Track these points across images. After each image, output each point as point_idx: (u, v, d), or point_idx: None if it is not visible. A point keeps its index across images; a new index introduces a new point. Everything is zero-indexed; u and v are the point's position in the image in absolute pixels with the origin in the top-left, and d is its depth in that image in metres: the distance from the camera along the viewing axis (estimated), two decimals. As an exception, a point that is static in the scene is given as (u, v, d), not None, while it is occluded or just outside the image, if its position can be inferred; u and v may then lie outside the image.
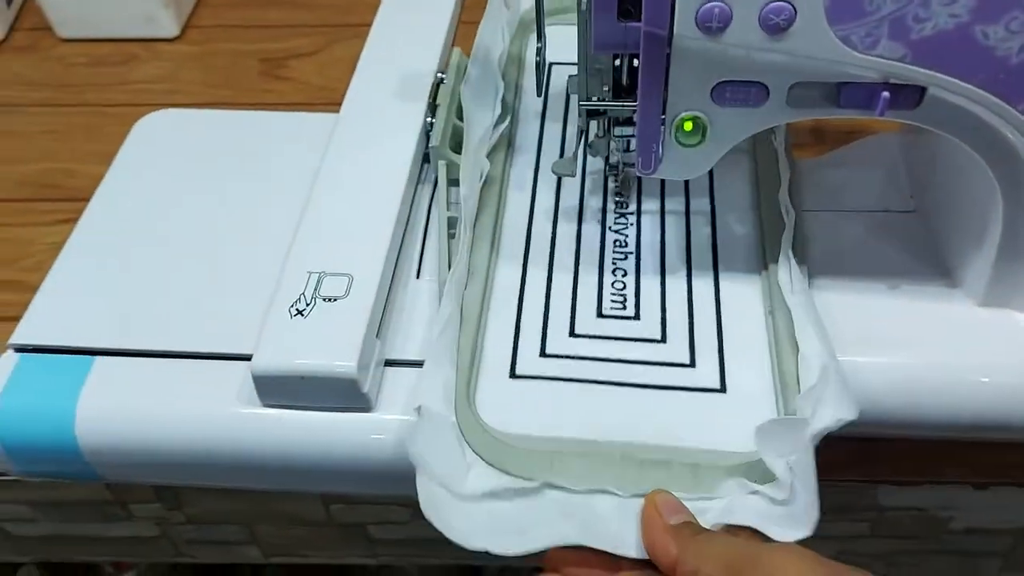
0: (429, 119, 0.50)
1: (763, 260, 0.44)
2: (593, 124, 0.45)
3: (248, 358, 0.40)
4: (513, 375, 0.41)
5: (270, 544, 0.55)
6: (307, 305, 0.41)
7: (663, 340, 0.42)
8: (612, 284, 0.44)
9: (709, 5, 0.33)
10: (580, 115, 0.43)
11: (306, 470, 0.42)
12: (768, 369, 0.40)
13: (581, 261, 0.45)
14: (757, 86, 0.36)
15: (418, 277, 0.46)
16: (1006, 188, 0.38)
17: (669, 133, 0.38)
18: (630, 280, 0.45)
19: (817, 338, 0.38)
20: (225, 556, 0.56)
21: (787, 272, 0.42)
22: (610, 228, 0.47)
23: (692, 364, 0.41)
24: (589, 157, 0.49)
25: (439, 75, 0.52)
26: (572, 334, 0.42)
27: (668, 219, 0.47)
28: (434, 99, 0.51)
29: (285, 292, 0.42)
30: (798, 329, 0.40)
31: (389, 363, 0.43)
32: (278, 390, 0.40)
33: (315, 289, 0.42)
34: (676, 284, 0.44)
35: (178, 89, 0.67)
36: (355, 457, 0.41)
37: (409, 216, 0.48)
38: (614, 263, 0.45)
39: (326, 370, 0.39)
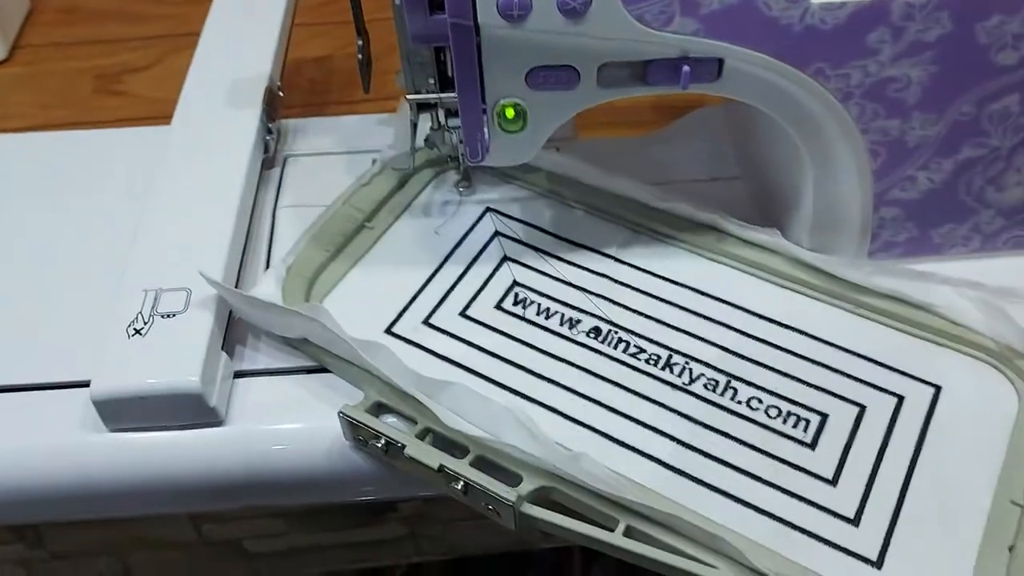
0: (267, 124, 0.50)
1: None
2: (427, 117, 0.45)
3: (89, 384, 0.39)
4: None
5: (146, 573, 0.53)
6: (145, 324, 0.40)
7: None
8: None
9: (508, -7, 0.34)
10: (410, 109, 0.44)
11: (162, 491, 0.41)
12: None
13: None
14: (567, 69, 0.37)
15: (265, 284, 0.45)
16: (810, 148, 0.41)
17: (492, 121, 0.39)
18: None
19: None
20: (97, 591, 0.54)
21: None
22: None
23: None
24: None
25: (273, 81, 0.52)
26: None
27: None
28: (268, 105, 0.51)
29: (121, 312, 0.41)
30: None
31: (239, 374, 0.42)
32: (122, 414, 0.39)
33: (152, 306, 0.41)
34: None
35: (9, 113, 0.64)
36: (211, 473, 0.40)
37: (251, 224, 0.47)
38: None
39: (169, 387, 0.38)
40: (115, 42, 0.70)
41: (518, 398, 0.40)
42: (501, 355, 0.42)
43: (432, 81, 0.42)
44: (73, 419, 0.40)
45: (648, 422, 0.39)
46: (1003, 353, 0.40)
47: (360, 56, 0.42)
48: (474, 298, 0.45)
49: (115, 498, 0.41)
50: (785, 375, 0.41)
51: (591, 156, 0.51)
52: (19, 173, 0.52)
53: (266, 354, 0.43)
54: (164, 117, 0.55)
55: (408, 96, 0.42)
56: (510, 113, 0.39)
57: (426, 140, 0.47)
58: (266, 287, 0.43)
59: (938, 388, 0.40)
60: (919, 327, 0.42)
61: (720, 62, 0.37)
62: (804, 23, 0.35)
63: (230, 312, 0.43)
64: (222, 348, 0.41)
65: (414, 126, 0.45)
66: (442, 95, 0.42)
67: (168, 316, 0.41)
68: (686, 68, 0.36)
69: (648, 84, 0.38)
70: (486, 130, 0.40)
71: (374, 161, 0.50)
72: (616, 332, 0.43)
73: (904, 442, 0.38)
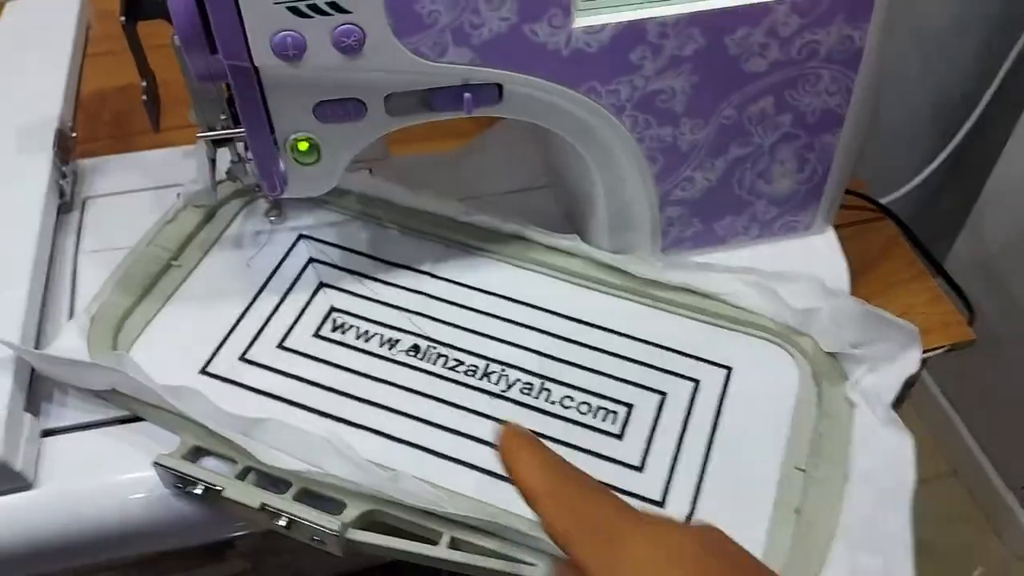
0: (60, 168, 0.48)
1: None
2: (225, 152, 0.45)
3: None
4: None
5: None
6: (-64, 393, 0.38)
7: None
8: None
9: (281, 35, 0.34)
10: (206, 145, 0.43)
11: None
12: None
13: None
14: (353, 102, 0.38)
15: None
16: (595, 158, 0.43)
17: (286, 154, 0.39)
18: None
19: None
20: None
21: None
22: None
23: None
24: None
25: (64, 122, 0.50)
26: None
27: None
28: (60, 147, 0.49)
29: (-94, 384, 0.38)
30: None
31: (48, 432, 0.41)
32: (-82, 491, 0.37)
33: (-57, 374, 0.39)
34: None
35: None
36: (26, 539, 0.39)
37: (51, 273, 0.46)
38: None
39: (-35, 459, 0.37)
40: None
41: (340, 424, 0.41)
42: (322, 383, 0.43)
43: (224, 116, 0.42)
44: None
45: (468, 432, 0.41)
46: (782, 332, 0.44)
47: (144, 97, 0.42)
48: (291, 328, 0.45)
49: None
50: (593, 371, 0.43)
51: (404, 173, 0.52)
52: None
53: (76, 408, 0.42)
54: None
55: (199, 135, 0.41)
56: (303, 146, 0.39)
57: (228, 173, 0.46)
58: (68, 340, 0.42)
59: (729, 369, 0.44)
60: (709, 314, 0.45)
61: (500, 87, 0.38)
62: (570, 47, 0.37)
63: (32, 370, 0.41)
64: (25, 408, 0.40)
65: (212, 162, 0.44)
66: (234, 131, 0.41)
67: (-39, 383, 0.39)
68: (468, 95, 0.38)
69: (434, 110, 0.39)
70: (281, 164, 0.40)
71: (178, 196, 0.49)
72: (434, 348, 0.44)
73: (702, 422, 0.42)
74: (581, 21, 0.37)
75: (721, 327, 0.45)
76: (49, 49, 0.54)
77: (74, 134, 0.51)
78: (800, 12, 0.38)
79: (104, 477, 0.39)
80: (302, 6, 0.33)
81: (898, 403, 0.42)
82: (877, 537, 0.37)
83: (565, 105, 0.39)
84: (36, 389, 0.41)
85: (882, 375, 0.42)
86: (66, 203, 0.49)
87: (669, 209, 0.45)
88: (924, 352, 0.50)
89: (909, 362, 0.42)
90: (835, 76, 0.41)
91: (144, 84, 0.42)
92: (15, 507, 0.39)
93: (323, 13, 0.34)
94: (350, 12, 0.34)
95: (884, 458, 0.39)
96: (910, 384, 0.43)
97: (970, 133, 1.03)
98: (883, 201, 0.60)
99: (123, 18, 0.39)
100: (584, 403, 0.42)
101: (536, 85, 0.38)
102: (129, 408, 0.41)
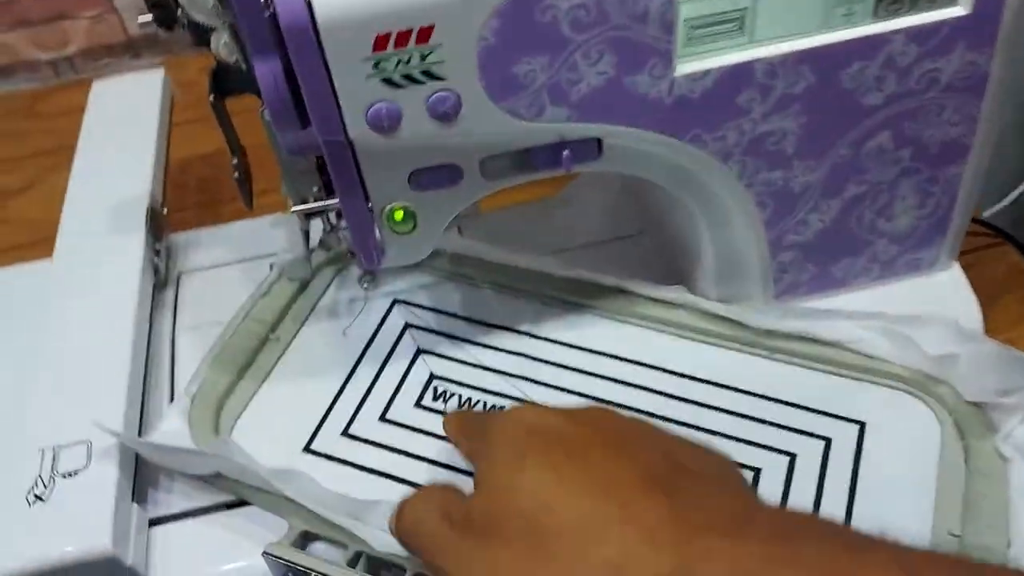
0: (153, 246, 0.48)
1: None
2: (318, 222, 0.44)
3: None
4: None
5: None
6: (45, 487, 0.38)
7: None
8: None
9: (376, 107, 0.33)
10: (299, 218, 0.43)
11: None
12: None
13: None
14: (449, 168, 0.36)
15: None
16: (701, 206, 0.41)
17: (382, 224, 0.38)
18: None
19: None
20: None
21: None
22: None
23: None
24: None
25: (155, 199, 0.50)
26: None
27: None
28: (153, 225, 0.49)
29: (17, 478, 0.38)
30: None
31: (155, 522, 0.40)
32: (33, 588, 0.37)
33: (52, 467, 0.38)
34: None
35: None
36: (140, 633, 0.38)
37: (149, 353, 0.45)
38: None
39: (79, 555, 0.36)
40: (-12, 164, 0.67)
41: (449, 500, 0.39)
42: (427, 457, 0.41)
43: (316, 188, 0.41)
44: (-19, 600, 0.38)
45: (583, 505, 0.39)
46: (916, 379, 0.41)
47: (236, 174, 0.41)
48: (392, 399, 0.43)
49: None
50: (713, 433, 0.41)
51: (494, 229, 0.51)
52: None
53: (182, 494, 0.41)
54: (48, 239, 0.53)
55: (292, 208, 0.41)
56: (399, 216, 0.38)
57: (320, 243, 0.46)
58: (171, 423, 0.41)
59: (862, 424, 0.40)
60: (834, 364, 0.42)
61: (599, 141, 0.36)
62: (673, 95, 0.35)
63: (137, 456, 0.41)
64: (132, 499, 0.39)
65: (306, 234, 0.44)
66: (328, 202, 0.40)
67: (70, 475, 0.38)
68: (566, 152, 0.36)
69: (533, 170, 0.37)
70: (378, 234, 0.39)
71: (271, 267, 0.49)
72: None
73: (838, 485, 0.38)
74: (684, 68, 0.35)
75: (848, 377, 0.42)
76: (137, 125, 0.55)
77: (165, 211, 0.51)
78: (918, 41, 0.36)
79: (214, 567, 0.38)
80: (396, 77, 0.32)
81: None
82: None
83: (668, 155, 0.37)
84: (141, 476, 0.41)
85: (1036, 425, 0.38)
86: (160, 280, 0.49)
87: (782, 254, 0.42)
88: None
89: (1064, 408, 0.38)
90: (959, 105, 0.38)
91: (235, 161, 0.41)
92: (128, 601, 0.38)
93: (417, 82, 0.32)
94: (444, 79, 0.32)
95: None
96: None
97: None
98: (984, 214, 0.56)
99: (212, 96, 0.39)
100: None
101: (637, 137, 0.36)
102: (235, 492, 0.40)
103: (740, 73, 0.35)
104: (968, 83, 0.38)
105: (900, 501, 0.38)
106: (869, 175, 0.40)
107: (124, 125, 0.56)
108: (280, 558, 0.36)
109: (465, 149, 0.36)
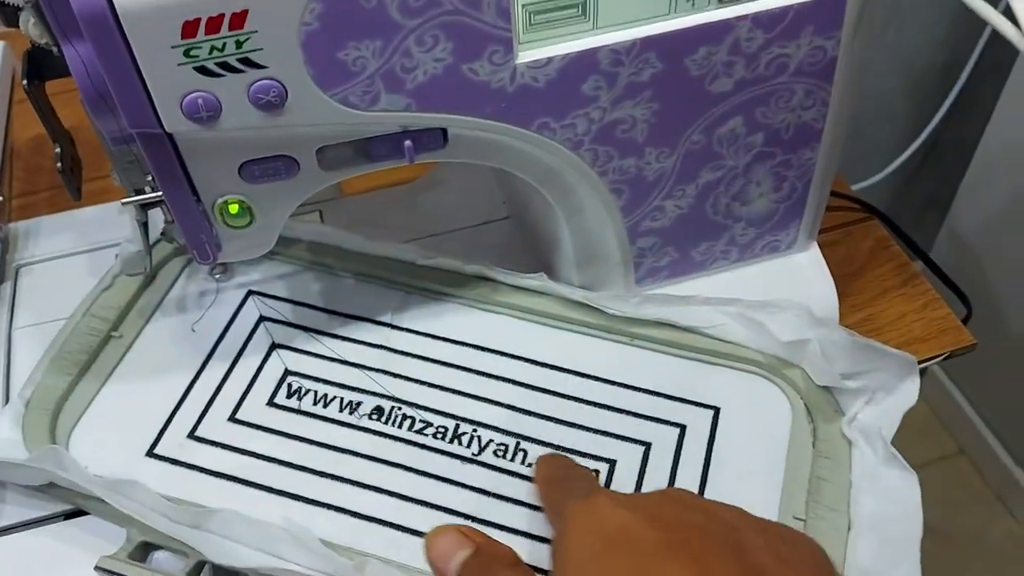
0: (-16, 238, 0.45)
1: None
2: (158, 215, 0.42)
3: None
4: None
5: None
6: None
7: None
8: None
9: (191, 97, 0.30)
10: (135, 209, 0.40)
11: None
12: None
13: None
14: (283, 159, 0.34)
15: None
16: (555, 195, 0.40)
17: (215, 218, 0.36)
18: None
19: None
20: None
21: None
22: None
23: None
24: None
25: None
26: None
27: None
28: (-17, 214, 0.45)
29: None
30: None
31: (-16, 536, 0.37)
32: None
33: None
34: None
35: None
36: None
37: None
38: None
39: None
40: None
41: (300, 503, 0.38)
42: (279, 458, 0.39)
43: (150, 177, 0.38)
44: None
45: (439, 503, 0.38)
46: (770, 364, 0.41)
47: (59, 164, 0.38)
48: (243, 397, 0.42)
49: None
50: (570, 424, 0.40)
51: (357, 214, 0.49)
52: None
53: (16, 504, 0.39)
54: None
55: (124, 201, 0.38)
56: (234, 209, 0.36)
57: (163, 233, 0.43)
58: (2, 430, 0.39)
59: (717, 409, 0.40)
60: (691, 349, 0.42)
61: (444, 131, 0.35)
62: (516, 83, 0.34)
63: (-39, 468, 0.38)
64: (-45, 514, 0.37)
65: (143, 225, 0.41)
66: (160, 194, 0.38)
67: None
68: (408, 142, 0.34)
69: (374, 161, 0.35)
70: (213, 229, 0.36)
71: (116, 257, 0.46)
72: (399, 409, 0.41)
73: (691, 472, 0.39)
74: (525, 56, 0.33)
75: (704, 362, 0.42)
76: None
77: (1, 198, 0.48)
78: (764, 26, 0.35)
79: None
80: (211, 64, 0.30)
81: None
82: None
83: (517, 144, 0.36)
84: (-34, 489, 0.38)
85: (880, 408, 0.39)
86: (-10, 280, 0.46)
87: (640, 240, 0.42)
88: (922, 362, 0.47)
89: (908, 393, 0.38)
90: (809, 90, 0.38)
91: (58, 150, 0.38)
92: (-49, 625, 0.35)
93: (235, 71, 0.30)
94: (266, 67, 0.30)
95: (889, 501, 0.36)
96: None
97: (949, 110, 1.00)
98: (855, 187, 0.57)
99: (25, 82, 0.36)
100: None
101: (483, 126, 0.35)
102: (73, 502, 0.38)
103: (584, 60, 0.34)
104: (817, 68, 0.37)
105: (750, 485, 0.38)
106: (723, 161, 0.40)
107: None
108: (113, 572, 0.35)
109: (297, 140, 0.34)
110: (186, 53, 0.29)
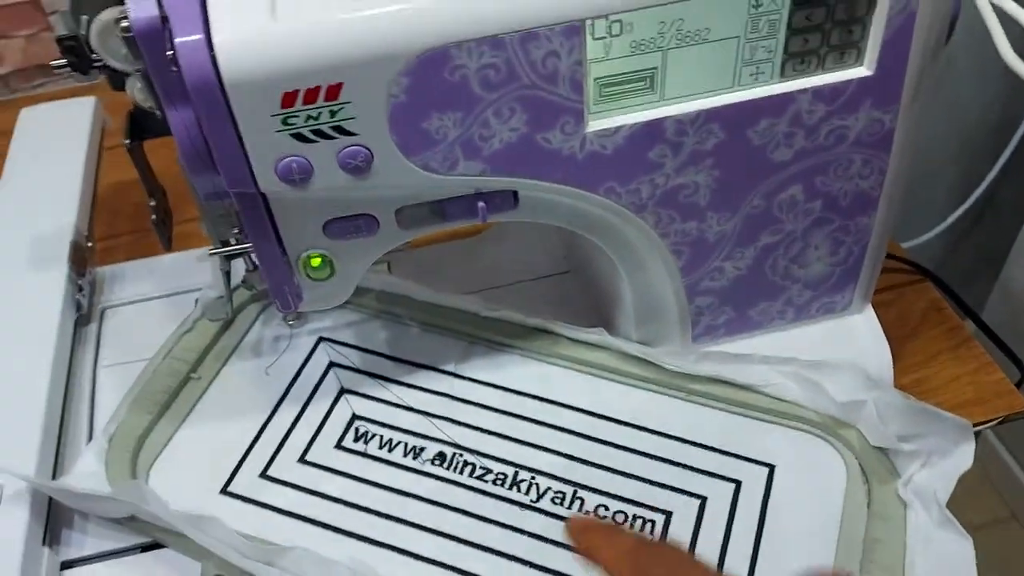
0: (76, 281, 0.48)
1: None
2: (239, 263, 0.44)
3: None
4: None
5: None
6: (-48, 534, 0.37)
7: None
8: None
9: (286, 161, 0.33)
10: (220, 259, 0.42)
11: None
12: None
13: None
14: (365, 218, 0.36)
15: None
16: (618, 254, 0.42)
17: (299, 271, 0.38)
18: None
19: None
20: None
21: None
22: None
23: None
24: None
25: (79, 232, 0.49)
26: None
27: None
28: (75, 259, 0.48)
29: (-76, 525, 0.38)
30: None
31: (67, 564, 0.40)
32: (-64, 638, 0.36)
33: (-41, 513, 0.38)
34: None
35: None
36: None
37: (69, 391, 0.45)
38: None
39: (-17, 605, 0.36)
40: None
41: (366, 544, 0.39)
42: (345, 499, 0.41)
43: (236, 229, 0.41)
44: None
45: (499, 548, 0.39)
46: (825, 423, 0.42)
47: (154, 216, 0.41)
48: (313, 440, 0.43)
49: None
50: (628, 475, 0.41)
51: (424, 265, 0.51)
52: None
53: (96, 535, 0.41)
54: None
55: (211, 251, 0.41)
56: (316, 263, 0.38)
57: (244, 281, 0.46)
58: (86, 465, 0.41)
59: (772, 467, 0.41)
60: (746, 407, 0.43)
61: (515, 193, 0.37)
62: (585, 150, 0.36)
63: (50, 498, 0.40)
64: (43, 542, 0.39)
65: (226, 275, 0.43)
66: (247, 246, 0.40)
67: (-22, 521, 0.38)
68: (481, 204, 0.37)
69: (448, 220, 0.38)
70: (295, 280, 0.39)
71: (196, 302, 0.48)
72: (461, 455, 0.43)
73: (746, 526, 0.39)
74: (595, 125, 0.35)
75: (760, 420, 0.43)
76: (65, 152, 0.54)
77: (90, 244, 0.51)
78: (825, 100, 0.37)
79: (125, 613, 0.38)
80: (306, 131, 0.32)
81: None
82: None
83: (584, 207, 0.38)
84: (55, 517, 0.40)
85: (935, 471, 0.39)
86: (83, 316, 0.48)
87: (699, 299, 0.43)
88: (977, 425, 0.47)
89: (963, 457, 0.39)
90: (867, 159, 0.39)
91: (153, 204, 0.41)
92: (35, 649, 0.37)
93: (328, 137, 0.33)
94: (356, 134, 0.33)
95: (943, 565, 0.37)
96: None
97: (1003, 168, 1.00)
98: (906, 245, 0.58)
99: (127, 142, 0.39)
100: (620, 511, 0.40)
101: (553, 190, 0.37)
102: (150, 535, 0.40)
103: (651, 129, 0.36)
104: (875, 139, 0.39)
105: (804, 543, 0.39)
106: (782, 225, 0.41)
107: (51, 153, 0.55)
108: (190, 606, 0.36)
109: (379, 200, 0.36)
110: (284, 121, 0.32)
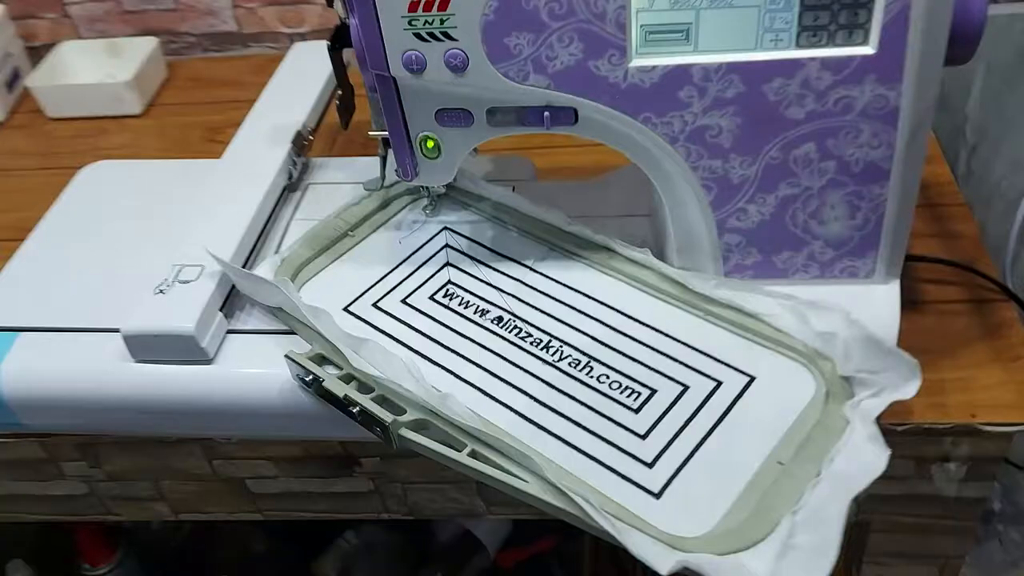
0: (293, 159, 0.66)
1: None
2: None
3: (126, 326, 0.54)
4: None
5: (175, 500, 0.68)
6: (168, 286, 0.56)
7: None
8: None
9: (408, 54, 0.47)
10: (379, 143, 0.58)
11: (166, 412, 0.55)
12: None
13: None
14: (463, 111, 0.50)
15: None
16: (659, 183, 0.52)
17: (417, 149, 0.53)
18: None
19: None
20: (141, 513, 0.69)
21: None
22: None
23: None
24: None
25: (305, 127, 0.68)
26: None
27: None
28: (297, 144, 0.67)
29: (153, 278, 0.56)
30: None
31: (233, 331, 0.57)
32: (141, 348, 0.54)
33: (175, 275, 0.56)
34: None
35: (138, 153, 0.84)
36: (199, 401, 0.55)
37: (268, 229, 0.63)
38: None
39: (170, 328, 0.53)
40: (224, 103, 0.90)
41: (428, 363, 0.53)
42: (424, 332, 0.55)
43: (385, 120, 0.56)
44: (116, 353, 0.56)
45: (516, 383, 0.51)
46: (809, 353, 0.49)
47: (338, 103, 0.57)
48: (415, 290, 0.58)
49: (132, 414, 0.56)
50: (633, 359, 0.51)
51: (540, 195, 0.64)
52: (120, 186, 0.70)
53: (257, 318, 0.58)
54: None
55: (370, 132, 0.56)
56: (430, 144, 0.52)
57: (396, 171, 0.61)
58: (261, 270, 0.58)
59: (752, 378, 0.49)
60: (748, 330, 0.51)
61: (575, 111, 0.49)
62: (628, 81, 0.47)
63: (233, 286, 0.58)
64: (220, 309, 0.56)
65: (383, 159, 0.59)
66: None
67: (184, 283, 0.56)
68: (547, 114, 0.49)
69: (524, 125, 0.50)
70: (415, 157, 0.53)
71: (363, 186, 0.65)
72: (514, 320, 0.55)
73: (710, 415, 0.48)
74: (636, 62, 0.46)
75: (755, 343, 0.51)
76: (310, 84, 0.74)
77: (311, 137, 0.69)
78: (831, 69, 0.45)
79: (257, 367, 0.54)
80: (423, 32, 0.47)
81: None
82: (818, 519, 0.41)
83: (628, 132, 0.49)
84: (233, 298, 0.58)
85: (882, 399, 0.45)
86: (292, 184, 0.67)
87: (727, 236, 0.52)
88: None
89: (907, 391, 0.45)
90: (875, 131, 0.47)
91: (339, 93, 0.58)
92: (195, 375, 0.55)
93: (437, 39, 0.47)
94: (457, 40, 0.47)
95: (858, 465, 0.43)
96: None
97: None
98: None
99: (328, 43, 0.55)
100: (616, 381, 0.50)
101: (602, 112, 0.48)
102: (288, 324, 0.56)
103: (681, 73, 0.46)
104: (881, 113, 0.46)
105: (754, 434, 0.46)
106: (798, 180, 0.49)
107: (305, 75, 0.75)
108: (294, 360, 0.52)
109: (474, 98, 0.50)
110: (409, 22, 0.46)
